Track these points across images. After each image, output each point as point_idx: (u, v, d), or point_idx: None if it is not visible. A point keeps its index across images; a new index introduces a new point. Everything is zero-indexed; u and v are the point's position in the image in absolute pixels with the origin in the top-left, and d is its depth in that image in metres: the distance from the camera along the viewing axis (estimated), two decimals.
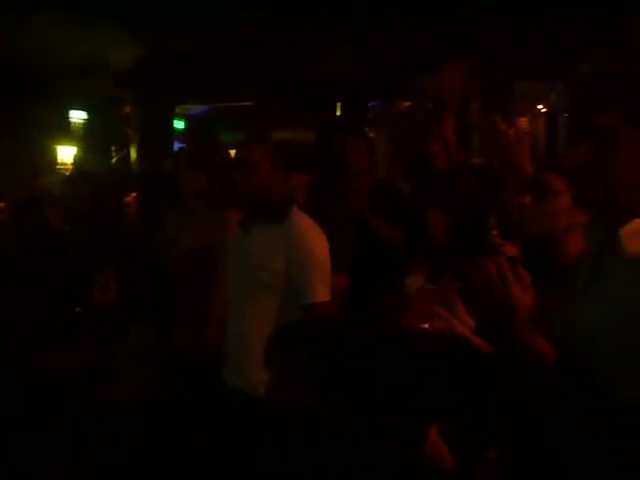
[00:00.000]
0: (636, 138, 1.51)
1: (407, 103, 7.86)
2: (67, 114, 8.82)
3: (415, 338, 3.05)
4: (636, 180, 1.53)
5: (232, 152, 4.51)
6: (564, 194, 2.26)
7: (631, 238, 1.51)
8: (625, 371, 1.39)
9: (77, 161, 7.00)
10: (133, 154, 8.35)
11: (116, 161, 7.67)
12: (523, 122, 6.70)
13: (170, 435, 3.17)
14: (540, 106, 6.37)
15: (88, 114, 8.48)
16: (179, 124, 9.43)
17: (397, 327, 3.12)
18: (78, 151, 7.76)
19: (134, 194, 5.24)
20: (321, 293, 2.85)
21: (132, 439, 3.12)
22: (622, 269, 1.52)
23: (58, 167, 7.92)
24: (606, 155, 1.53)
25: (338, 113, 8.38)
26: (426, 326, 2.60)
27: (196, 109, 9.52)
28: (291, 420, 2.25)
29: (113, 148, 7.92)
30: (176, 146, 8.34)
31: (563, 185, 2.26)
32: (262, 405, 2.47)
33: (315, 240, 2.93)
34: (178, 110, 9.22)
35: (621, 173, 1.53)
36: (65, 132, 8.31)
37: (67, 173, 7.07)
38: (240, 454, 2.48)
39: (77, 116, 8.87)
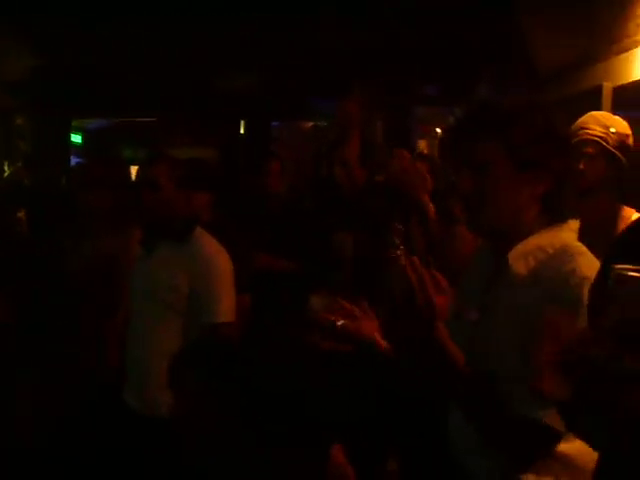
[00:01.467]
0: (508, 165, 1.57)
1: (310, 123, 7.95)
2: None
3: (317, 354, 3.07)
4: (514, 205, 1.60)
5: (133, 169, 4.43)
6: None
7: (517, 261, 1.57)
8: (518, 388, 1.45)
9: None
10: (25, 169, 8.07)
11: (9, 175, 7.38)
12: (422, 145, 6.90)
13: (69, 459, 3.06)
14: (438, 130, 6.59)
15: None
16: (76, 138, 9.16)
17: (301, 346, 3.14)
18: None
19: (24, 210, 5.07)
20: (225, 313, 2.84)
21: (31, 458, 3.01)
22: (511, 291, 1.58)
23: None
24: (482, 183, 1.59)
25: (242, 131, 8.37)
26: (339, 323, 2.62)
27: (94, 123, 9.29)
28: (196, 442, 2.22)
29: (6, 162, 7.62)
30: (73, 161, 8.10)
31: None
32: (165, 427, 2.42)
33: (219, 260, 2.91)
34: (75, 123, 8.96)
35: (499, 200, 1.59)
36: None
37: None
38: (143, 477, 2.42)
39: None
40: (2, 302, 3.43)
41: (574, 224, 1.62)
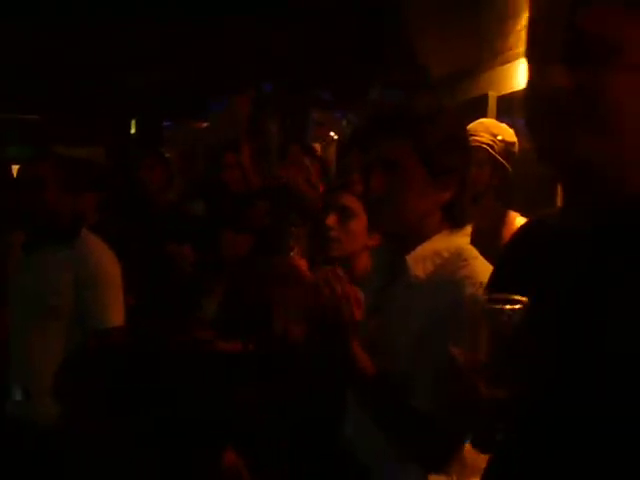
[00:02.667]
0: (420, 169, 1.58)
1: (204, 124, 7.87)
2: None
3: (208, 355, 3.04)
4: (420, 210, 1.61)
5: (15, 168, 4.25)
6: (362, 215, 2.35)
7: (416, 264, 1.60)
8: (419, 385, 1.47)
9: None
10: None
11: None
12: (317, 148, 6.95)
13: None
14: (332, 133, 6.65)
15: None
16: None
17: (191, 348, 3.10)
18: None
19: None
20: (113, 318, 2.75)
21: None
22: (408, 293, 1.60)
23: None
24: (393, 184, 1.59)
25: (132, 131, 8.19)
26: None
27: None
28: (85, 449, 2.16)
29: None
30: None
31: (360, 206, 2.34)
32: (53, 435, 2.35)
33: (106, 262, 2.82)
34: None
35: (407, 202, 1.61)
36: None
37: None
38: None
39: None
40: None
41: (468, 229, 1.66)
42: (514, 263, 1.16)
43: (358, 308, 1.54)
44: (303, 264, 3.03)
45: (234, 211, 3.30)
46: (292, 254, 3.18)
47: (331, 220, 2.34)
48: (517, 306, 0.94)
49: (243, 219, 3.25)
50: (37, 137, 7.55)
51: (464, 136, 1.68)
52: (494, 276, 1.24)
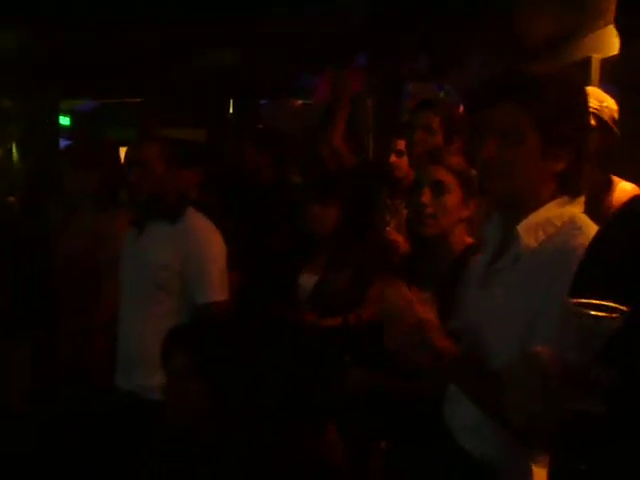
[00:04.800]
0: (535, 137, 1.54)
1: (299, 101, 7.91)
2: None
3: (308, 335, 3.08)
4: (534, 178, 1.57)
5: (122, 150, 4.40)
6: (456, 189, 2.31)
7: (528, 233, 1.56)
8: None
9: None
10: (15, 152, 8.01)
11: None
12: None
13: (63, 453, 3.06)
14: None
15: None
16: (64, 120, 9.08)
17: (292, 325, 3.15)
18: None
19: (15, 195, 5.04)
20: (217, 292, 2.84)
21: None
22: (518, 265, 1.56)
23: None
24: (507, 151, 1.55)
25: (230, 111, 8.32)
26: None
27: (82, 104, 9.21)
28: (190, 422, 2.23)
29: None
30: (62, 144, 8.05)
31: (453, 179, 2.31)
32: (156, 409, 2.43)
33: (210, 239, 2.91)
34: (63, 105, 8.88)
35: (521, 170, 1.56)
36: None
37: None
38: (137, 459, 2.43)
39: None
40: None
41: (582, 199, 1.61)
42: (613, 248, 1.11)
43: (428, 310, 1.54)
44: (400, 238, 3.02)
45: (323, 186, 3.32)
46: (388, 229, 3.18)
47: (426, 196, 2.31)
48: (613, 315, 0.88)
49: (331, 193, 3.26)
50: (140, 120, 7.79)
51: (583, 105, 1.62)
52: (590, 258, 1.20)
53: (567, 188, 1.58)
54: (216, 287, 2.84)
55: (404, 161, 3.45)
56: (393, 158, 3.54)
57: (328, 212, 3.20)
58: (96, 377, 3.17)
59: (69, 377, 3.31)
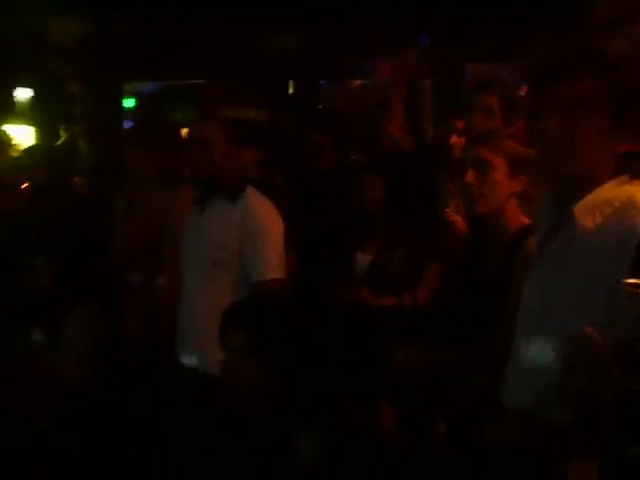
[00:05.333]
0: (607, 114, 1.51)
1: (358, 82, 7.88)
2: (12, 92, 8.59)
3: (365, 314, 3.10)
4: (599, 156, 1.54)
5: (183, 131, 4.47)
6: (501, 165, 2.29)
7: (584, 214, 1.52)
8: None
9: (25, 141, 6.84)
10: (81, 134, 8.19)
11: (64, 141, 7.51)
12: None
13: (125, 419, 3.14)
14: None
15: (35, 92, 8.29)
16: (129, 102, 9.26)
17: (348, 303, 3.17)
18: (30, 130, 7.62)
19: (80, 176, 5.16)
20: (274, 270, 2.87)
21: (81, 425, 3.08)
22: (572, 246, 1.54)
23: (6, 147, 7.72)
24: (576, 125, 1.51)
25: (290, 91, 8.34)
26: None
27: (146, 86, 9.36)
28: (245, 400, 2.27)
29: (61, 127, 7.74)
30: (126, 125, 8.21)
31: (497, 157, 2.28)
32: (215, 383, 2.47)
33: (269, 218, 2.95)
34: (127, 88, 9.05)
35: (587, 146, 1.53)
36: (11, 111, 8.11)
37: (15, 153, 6.91)
38: (198, 433, 2.49)
39: (23, 94, 8.65)
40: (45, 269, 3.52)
41: None
42: None
43: None
44: (458, 219, 3.01)
45: (379, 163, 3.31)
46: (447, 210, 3.17)
47: (469, 177, 2.29)
48: None
49: (383, 171, 3.26)
50: (203, 100, 7.88)
51: None
52: None
53: (630, 169, 1.54)
54: (273, 265, 2.88)
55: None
56: (454, 139, 3.51)
57: (376, 188, 3.22)
58: (160, 354, 3.24)
59: (133, 355, 3.39)
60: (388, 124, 3.97)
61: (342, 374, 2.84)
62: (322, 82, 8.34)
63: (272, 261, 2.88)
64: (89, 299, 3.37)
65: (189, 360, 2.96)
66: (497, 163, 2.28)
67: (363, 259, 3.30)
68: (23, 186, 4.32)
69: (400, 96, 4.05)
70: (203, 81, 8.46)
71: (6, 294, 3.50)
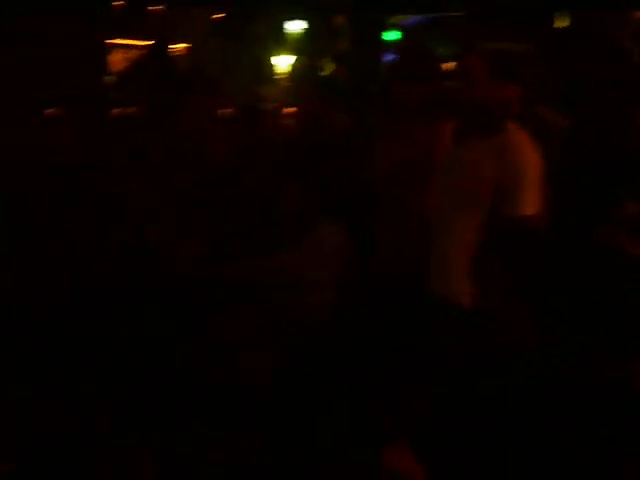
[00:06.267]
0: None
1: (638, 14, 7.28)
2: (283, 25, 9.07)
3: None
4: None
5: (445, 65, 4.44)
6: None
7: None
8: None
9: (294, 72, 7.21)
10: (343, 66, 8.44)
11: (329, 74, 7.80)
12: None
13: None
14: None
15: (307, 24, 8.67)
16: (392, 35, 9.37)
17: (616, 251, 3.03)
18: (296, 61, 8.01)
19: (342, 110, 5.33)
20: (531, 206, 2.83)
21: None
22: None
23: (275, 77, 8.23)
24: None
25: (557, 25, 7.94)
26: None
27: (409, 19, 9.39)
28: (500, 331, 2.28)
29: (326, 59, 8.05)
30: (388, 58, 8.33)
31: None
32: (467, 316, 2.52)
33: (529, 154, 2.89)
34: (392, 21, 9.16)
35: None
36: (281, 43, 8.58)
37: (283, 83, 7.33)
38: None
39: (292, 27, 9.09)
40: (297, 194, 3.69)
41: None
42: None
43: None
44: None
45: None
46: None
47: None
48: None
49: None
50: (466, 33, 7.77)
51: None
52: None
53: None
54: (530, 201, 2.83)
55: None
56: None
57: None
58: (410, 281, 3.32)
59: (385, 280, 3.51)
60: None
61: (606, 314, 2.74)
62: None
63: (529, 197, 2.83)
64: (337, 217, 3.53)
65: (443, 290, 3.03)
66: None
67: (633, 207, 3.12)
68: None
69: None
70: (465, 13, 8.31)
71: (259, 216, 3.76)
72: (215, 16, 9.31)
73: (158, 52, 6.03)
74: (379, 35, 9.00)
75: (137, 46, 8.86)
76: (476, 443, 2.45)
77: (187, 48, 8.82)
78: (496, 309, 2.28)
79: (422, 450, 2.43)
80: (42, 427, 2.64)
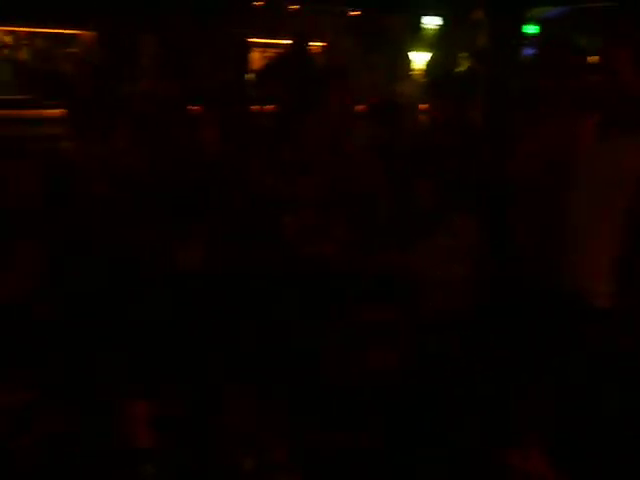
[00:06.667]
0: None
1: None
2: (420, 21, 9.07)
3: None
4: None
5: (589, 58, 4.31)
6: None
7: None
8: None
9: (430, 68, 7.21)
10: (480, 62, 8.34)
11: (466, 68, 7.73)
12: None
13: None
14: None
15: (443, 20, 8.64)
16: (531, 29, 9.15)
17: None
18: (432, 56, 8.00)
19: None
20: None
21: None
22: None
23: (412, 73, 8.26)
24: None
25: None
26: None
27: (551, 11, 9.13)
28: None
29: (462, 55, 7.97)
30: (528, 52, 8.15)
31: None
32: (603, 317, 2.45)
33: None
34: (533, 14, 8.94)
35: None
36: (418, 39, 8.58)
37: (419, 79, 7.33)
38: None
39: (429, 22, 9.07)
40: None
41: None
42: None
43: None
44: None
45: None
46: None
47: None
48: None
49: None
50: (610, 25, 7.45)
51: None
52: None
53: None
54: None
55: None
56: None
57: None
58: (549, 280, 3.25)
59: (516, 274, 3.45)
60: None
61: None
62: None
63: None
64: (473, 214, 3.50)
65: (577, 289, 2.95)
66: None
67: None
68: None
69: None
70: (614, 4, 7.98)
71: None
72: (351, 13, 9.43)
73: (298, 50, 6.18)
74: (519, 29, 8.80)
75: (274, 44, 9.12)
76: (614, 451, 2.38)
77: (324, 46, 8.99)
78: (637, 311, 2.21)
79: (557, 454, 2.39)
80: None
